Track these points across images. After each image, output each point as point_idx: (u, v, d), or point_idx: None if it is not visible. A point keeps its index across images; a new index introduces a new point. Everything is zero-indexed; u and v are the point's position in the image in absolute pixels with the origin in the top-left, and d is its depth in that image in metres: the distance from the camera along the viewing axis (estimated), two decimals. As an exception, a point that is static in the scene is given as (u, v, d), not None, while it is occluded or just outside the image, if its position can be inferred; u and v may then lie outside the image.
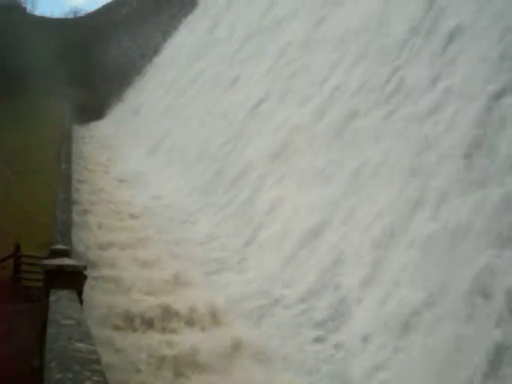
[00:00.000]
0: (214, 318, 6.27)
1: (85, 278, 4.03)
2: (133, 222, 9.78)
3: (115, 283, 6.91)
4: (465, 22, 7.41)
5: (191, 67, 16.76)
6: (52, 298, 3.54)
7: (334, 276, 6.23)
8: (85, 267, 4.11)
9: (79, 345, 2.36)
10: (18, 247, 6.32)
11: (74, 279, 3.87)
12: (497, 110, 6.00)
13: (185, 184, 11.04)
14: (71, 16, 30.85)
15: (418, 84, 7.34)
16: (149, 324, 6.08)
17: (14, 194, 8.97)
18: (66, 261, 4.14)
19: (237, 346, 5.63)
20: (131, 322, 6.06)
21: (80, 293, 3.86)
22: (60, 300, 3.46)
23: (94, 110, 22.28)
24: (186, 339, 5.74)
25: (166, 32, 22.15)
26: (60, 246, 5.01)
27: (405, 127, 6.98)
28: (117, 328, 5.92)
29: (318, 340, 5.62)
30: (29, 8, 27.53)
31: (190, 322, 6.18)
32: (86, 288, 4.21)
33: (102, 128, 20.29)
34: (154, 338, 5.77)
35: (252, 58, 13.08)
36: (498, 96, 6.10)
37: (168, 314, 6.21)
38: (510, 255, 4.67)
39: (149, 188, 11.83)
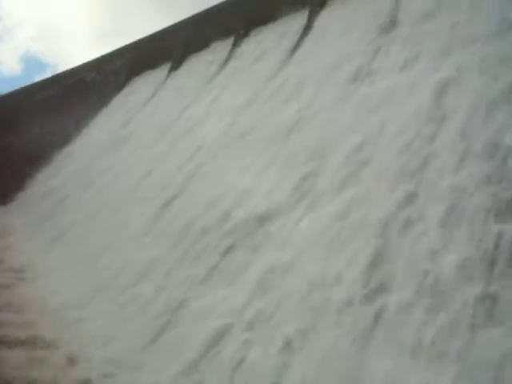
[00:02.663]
0: None
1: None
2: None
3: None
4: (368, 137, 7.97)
5: (102, 159, 16.60)
6: None
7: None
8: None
9: None
10: None
11: None
12: (401, 217, 6.26)
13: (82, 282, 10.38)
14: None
15: (327, 191, 7.62)
16: None
17: None
18: None
19: None
20: None
21: None
22: None
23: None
24: None
25: (81, 121, 22.05)
26: None
27: (312, 233, 7.13)
28: None
29: None
30: None
31: None
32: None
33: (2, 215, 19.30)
34: None
35: (165, 155, 13.13)
36: (400, 205, 6.47)
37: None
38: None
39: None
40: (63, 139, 22.24)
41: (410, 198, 6.47)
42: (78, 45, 59.04)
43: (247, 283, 7.05)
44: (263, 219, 8.03)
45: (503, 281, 4.91)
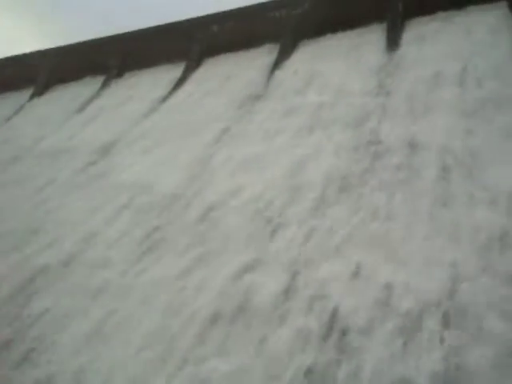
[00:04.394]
0: None
1: None
2: None
3: None
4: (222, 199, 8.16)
5: None
6: None
7: None
8: None
9: None
10: None
11: None
12: (240, 283, 6.33)
13: None
14: None
15: (174, 247, 7.53)
16: None
17: None
18: None
19: None
20: None
21: None
22: None
23: None
24: None
25: None
26: None
27: (152, 288, 6.93)
28: None
29: None
30: None
31: None
32: None
33: None
34: None
35: (11, 184, 12.20)
36: (244, 269, 6.55)
37: None
38: None
39: None
40: None
41: (254, 264, 6.57)
42: None
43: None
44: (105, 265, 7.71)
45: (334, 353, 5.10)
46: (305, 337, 5.34)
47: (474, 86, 9.53)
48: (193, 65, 14.69)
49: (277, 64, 13.18)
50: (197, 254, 7.20)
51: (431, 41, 11.88)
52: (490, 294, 5.23)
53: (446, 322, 5.10)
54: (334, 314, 5.53)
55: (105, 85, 15.40)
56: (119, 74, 15.66)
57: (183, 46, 15.15)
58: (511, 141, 7.59)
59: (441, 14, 12.89)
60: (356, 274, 5.97)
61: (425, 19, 12.98)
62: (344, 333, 5.28)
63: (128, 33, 16.68)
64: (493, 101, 8.73)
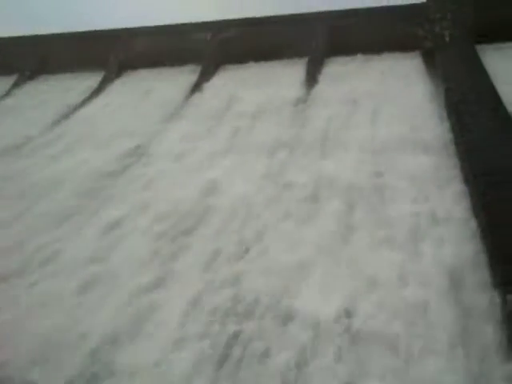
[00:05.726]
0: None
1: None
2: None
3: None
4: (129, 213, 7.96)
5: None
6: None
7: None
8: None
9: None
10: None
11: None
12: (135, 305, 6.13)
13: None
14: None
15: (72, 260, 7.22)
16: None
17: None
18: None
19: None
20: None
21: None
22: None
23: None
24: None
25: None
26: None
27: (45, 301, 6.58)
28: None
29: None
30: None
31: None
32: None
33: None
34: None
35: None
36: (144, 290, 6.37)
37: None
38: None
39: None
40: None
41: (159, 282, 6.45)
42: None
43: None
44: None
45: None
46: (201, 362, 5.30)
47: (384, 127, 10.00)
48: (111, 76, 14.41)
49: (197, 85, 13.21)
50: (95, 271, 6.93)
51: (348, 80, 12.36)
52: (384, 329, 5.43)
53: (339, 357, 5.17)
54: (234, 338, 5.48)
55: (16, 85, 14.76)
56: (33, 75, 15.11)
57: (104, 55, 14.86)
58: (413, 181, 8.03)
59: (360, 57, 13.53)
60: (257, 300, 6.00)
61: (345, 59, 13.54)
62: (240, 360, 5.29)
63: (49, 35, 16.17)
64: (400, 143, 9.21)
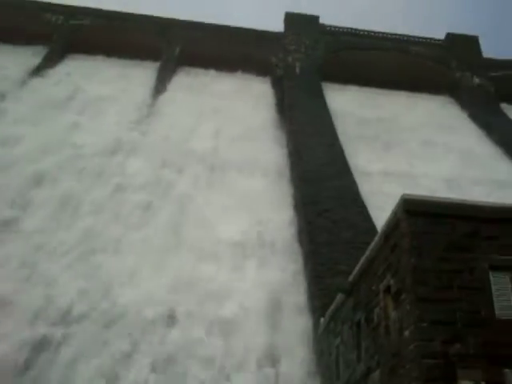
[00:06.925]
0: None
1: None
2: None
3: None
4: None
5: None
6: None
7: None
8: None
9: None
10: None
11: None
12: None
13: None
14: None
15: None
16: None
17: None
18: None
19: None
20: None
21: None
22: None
23: None
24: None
25: None
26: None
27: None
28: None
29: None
30: None
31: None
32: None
33: None
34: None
35: None
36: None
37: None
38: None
39: None
40: None
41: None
42: None
43: None
44: None
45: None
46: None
47: (226, 142, 10.23)
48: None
49: (39, 68, 12.40)
50: None
51: (196, 92, 12.41)
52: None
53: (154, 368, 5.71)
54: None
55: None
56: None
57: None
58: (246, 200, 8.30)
59: (212, 72, 13.68)
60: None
61: (199, 71, 13.60)
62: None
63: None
64: (241, 163, 9.51)
